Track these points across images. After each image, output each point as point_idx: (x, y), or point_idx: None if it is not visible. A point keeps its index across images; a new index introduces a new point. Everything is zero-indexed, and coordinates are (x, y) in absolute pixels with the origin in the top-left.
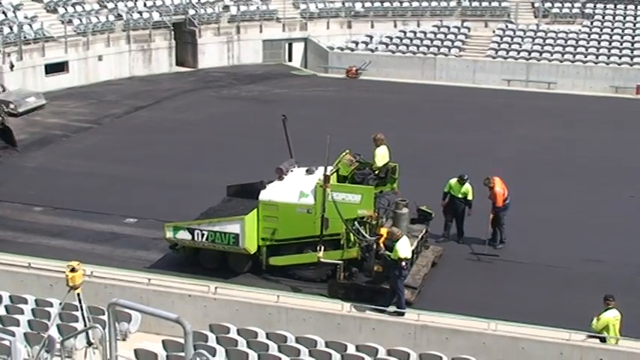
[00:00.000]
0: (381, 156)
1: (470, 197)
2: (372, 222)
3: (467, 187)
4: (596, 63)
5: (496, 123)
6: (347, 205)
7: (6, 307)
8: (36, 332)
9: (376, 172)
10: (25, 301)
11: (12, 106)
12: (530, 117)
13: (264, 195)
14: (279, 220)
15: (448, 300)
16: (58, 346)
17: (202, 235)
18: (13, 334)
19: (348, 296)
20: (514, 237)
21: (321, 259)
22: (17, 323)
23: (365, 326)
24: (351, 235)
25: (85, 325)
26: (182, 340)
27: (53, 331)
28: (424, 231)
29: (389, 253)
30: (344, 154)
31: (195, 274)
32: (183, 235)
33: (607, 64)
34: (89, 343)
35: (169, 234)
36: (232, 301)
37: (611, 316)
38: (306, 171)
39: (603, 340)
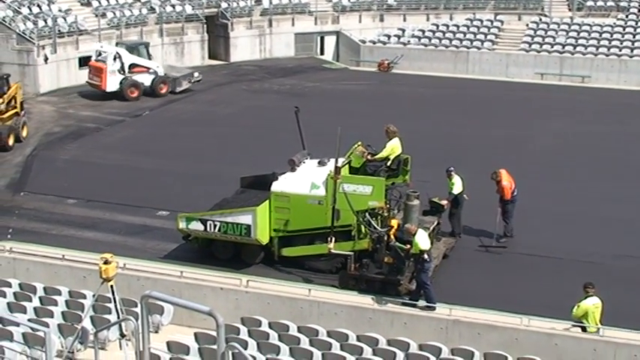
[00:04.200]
0: (390, 148)
1: (454, 191)
2: (383, 213)
3: (452, 180)
4: (631, 56)
5: (529, 117)
6: (358, 197)
7: (40, 298)
8: (70, 324)
9: (387, 163)
10: (59, 293)
11: (196, 74)
12: (563, 111)
13: (276, 186)
14: (290, 211)
15: (477, 294)
16: (91, 337)
17: (215, 226)
18: (47, 326)
19: (358, 287)
20: (546, 232)
21: (332, 251)
22: (51, 315)
23: (397, 321)
24: (362, 226)
25: (118, 317)
26: (214, 333)
27: (87, 323)
28: (436, 223)
29: (400, 245)
30: (356, 145)
31: (228, 267)
32: (196, 226)
33: None
34: (122, 335)
35: (182, 225)
36: (264, 294)
37: (591, 304)
38: (319, 162)
39: (584, 329)
